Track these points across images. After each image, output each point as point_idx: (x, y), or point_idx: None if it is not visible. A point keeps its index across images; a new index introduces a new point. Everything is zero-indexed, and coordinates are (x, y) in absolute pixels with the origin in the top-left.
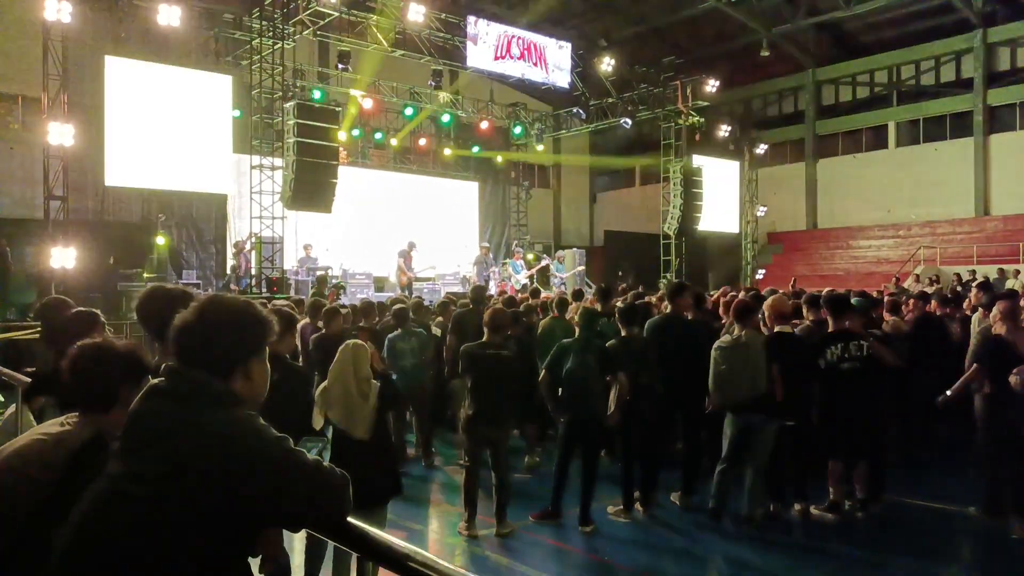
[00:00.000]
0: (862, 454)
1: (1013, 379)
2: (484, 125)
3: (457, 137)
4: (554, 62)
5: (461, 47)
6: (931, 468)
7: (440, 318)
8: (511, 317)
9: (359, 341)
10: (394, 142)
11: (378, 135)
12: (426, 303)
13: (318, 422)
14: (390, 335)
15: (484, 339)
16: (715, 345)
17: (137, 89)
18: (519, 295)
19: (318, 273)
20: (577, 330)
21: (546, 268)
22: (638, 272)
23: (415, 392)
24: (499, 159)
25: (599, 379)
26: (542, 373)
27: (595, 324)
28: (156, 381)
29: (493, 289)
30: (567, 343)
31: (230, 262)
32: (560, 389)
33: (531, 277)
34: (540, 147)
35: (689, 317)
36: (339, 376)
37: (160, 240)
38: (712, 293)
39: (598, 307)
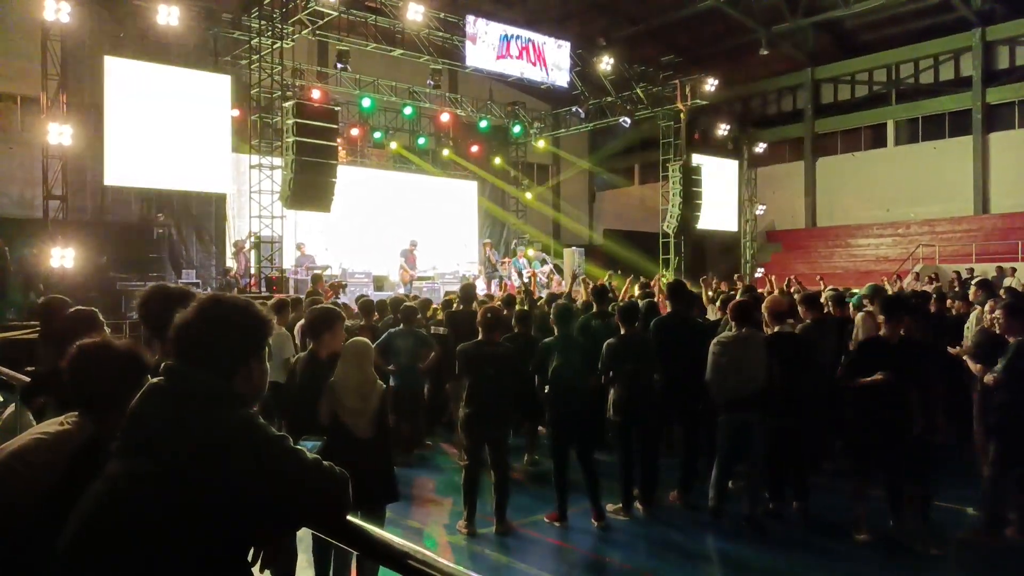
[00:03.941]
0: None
1: (988, 378)
2: (484, 124)
3: (456, 136)
4: (553, 61)
5: (460, 46)
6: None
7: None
8: (516, 315)
9: (364, 339)
10: (393, 145)
11: (377, 134)
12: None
13: (324, 420)
14: (390, 330)
15: (480, 338)
16: (715, 340)
17: (136, 89)
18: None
19: (314, 272)
20: (555, 329)
21: (546, 270)
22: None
23: (409, 390)
24: (497, 160)
25: (584, 376)
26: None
27: (571, 321)
28: (155, 380)
29: (495, 289)
30: (549, 342)
31: (229, 262)
32: (546, 388)
33: (531, 277)
34: (540, 143)
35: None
36: (344, 374)
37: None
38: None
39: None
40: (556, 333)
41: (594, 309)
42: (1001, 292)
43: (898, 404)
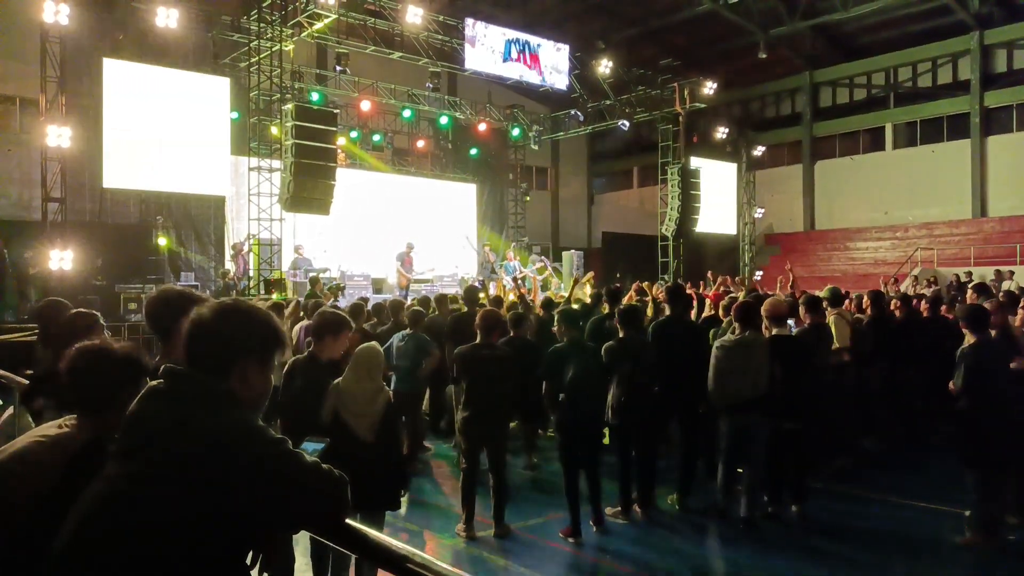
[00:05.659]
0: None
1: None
2: (482, 127)
3: (455, 139)
4: (552, 64)
5: (459, 49)
6: (928, 468)
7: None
8: (511, 318)
9: (375, 346)
10: (391, 145)
11: (376, 137)
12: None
13: (326, 420)
14: (395, 335)
15: (477, 341)
16: (717, 343)
17: (135, 91)
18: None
19: (311, 275)
20: (564, 336)
21: (542, 269)
22: (636, 274)
23: (408, 393)
24: (496, 163)
25: (599, 382)
26: (544, 384)
27: (578, 325)
28: (154, 383)
29: (492, 291)
30: (560, 349)
31: (228, 264)
32: (560, 395)
33: (519, 279)
34: (536, 147)
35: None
36: (353, 377)
37: (162, 241)
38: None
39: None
40: (565, 339)
41: (605, 311)
42: (1000, 296)
43: None
